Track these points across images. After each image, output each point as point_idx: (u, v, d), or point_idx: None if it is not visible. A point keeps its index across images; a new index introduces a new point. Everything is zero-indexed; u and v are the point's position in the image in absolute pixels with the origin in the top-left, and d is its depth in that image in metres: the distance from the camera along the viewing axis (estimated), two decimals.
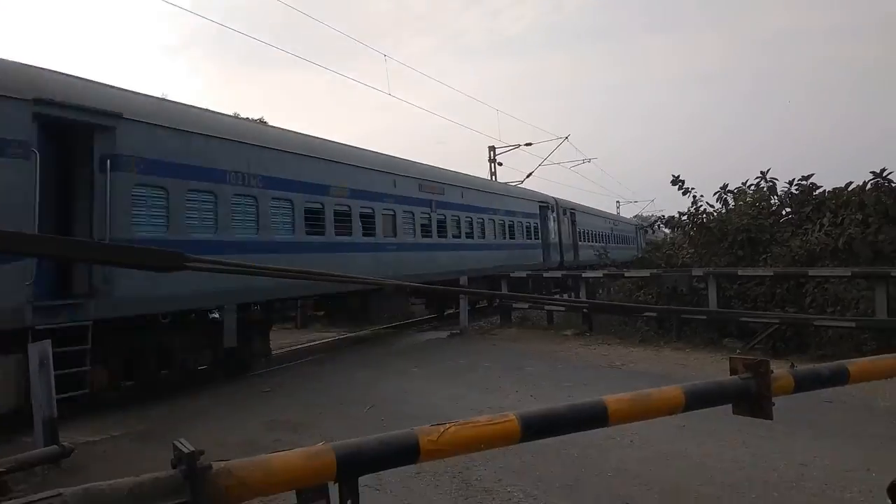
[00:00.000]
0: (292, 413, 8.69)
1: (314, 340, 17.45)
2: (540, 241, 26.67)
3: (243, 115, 36.60)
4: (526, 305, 17.51)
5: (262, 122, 33.94)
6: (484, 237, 21.33)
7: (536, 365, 11.65)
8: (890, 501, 1.81)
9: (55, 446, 4.87)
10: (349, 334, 18.35)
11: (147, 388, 10.47)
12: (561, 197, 31.50)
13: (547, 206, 28.04)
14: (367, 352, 14.54)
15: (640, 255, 35.96)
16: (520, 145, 36.71)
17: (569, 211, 31.34)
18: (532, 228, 25.93)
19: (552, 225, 28.26)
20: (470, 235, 20.42)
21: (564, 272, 20.67)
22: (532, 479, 5.67)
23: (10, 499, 1.73)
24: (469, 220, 20.42)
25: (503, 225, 23.00)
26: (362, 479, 5.78)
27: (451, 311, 20.52)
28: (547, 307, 17.08)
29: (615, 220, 46.10)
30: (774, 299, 13.25)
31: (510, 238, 23.55)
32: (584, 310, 15.39)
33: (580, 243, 32.39)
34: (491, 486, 5.52)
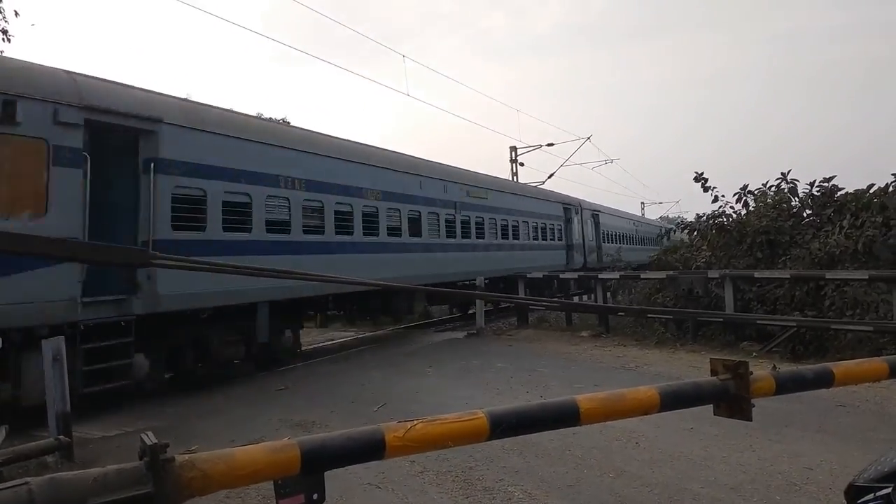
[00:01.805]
0: (304, 411, 8.78)
1: (332, 340, 17.60)
2: (564, 242, 27.64)
3: (266, 114, 36.95)
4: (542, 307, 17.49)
5: (285, 122, 34.23)
6: (509, 239, 22.32)
7: (550, 366, 11.64)
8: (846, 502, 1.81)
9: (51, 439, 5.00)
10: (367, 334, 18.48)
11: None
12: (584, 198, 33.09)
13: (570, 208, 28.96)
14: (383, 351, 14.62)
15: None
16: (541, 146, 36.63)
17: (592, 213, 32.38)
18: (556, 230, 26.97)
19: (576, 227, 29.25)
20: (497, 236, 21.56)
21: (582, 273, 20.56)
22: (534, 479, 5.69)
23: None
24: (494, 221, 21.43)
25: (527, 226, 23.97)
26: (364, 477, 5.83)
27: (472, 311, 20.59)
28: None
29: (640, 221, 46.91)
30: (794, 302, 13.09)
31: (534, 239, 24.53)
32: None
33: (604, 245, 33.49)
34: (492, 486, 5.54)
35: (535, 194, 26.46)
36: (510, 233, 22.32)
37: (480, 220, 20.21)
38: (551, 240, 26.24)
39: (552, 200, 27.49)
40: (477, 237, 19.86)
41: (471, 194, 19.54)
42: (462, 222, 18.94)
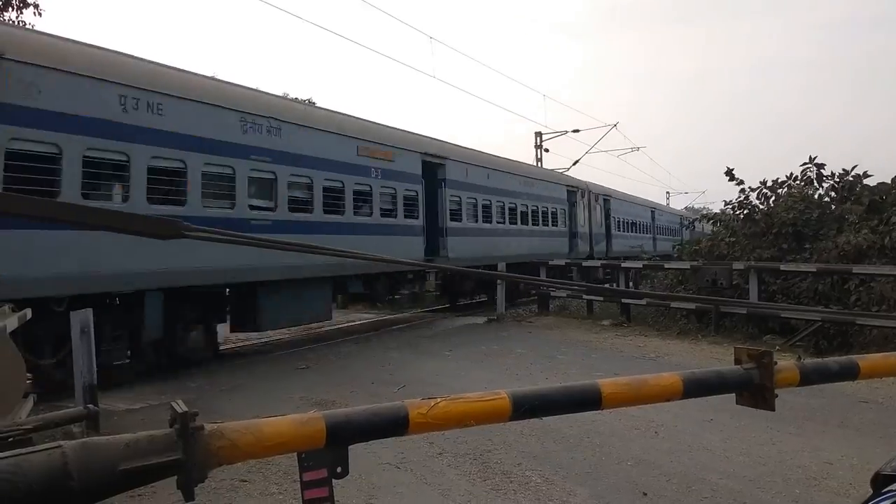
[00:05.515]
0: (324, 391, 8.86)
1: (353, 321, 17.71)
2: (567, 229, 25.29)
3: (292, 94, 36.98)
4: (565, 294, 17.48)
5: (310, 102, 34.23)
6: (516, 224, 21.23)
7: (570, 353, 11.64)
8: (871, 491, 1.80)
9: (80, 408, 5.09)
10: (388, 316, 18.57)
11: None
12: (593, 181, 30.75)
13: (576, 192, 26.40)
14: (404, 334, 14.71)
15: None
16: (567, 132, 36.37)
17: (601, 197, 29.64)
18: (558, 215, 24.52)
19: (581, 212, 26.66)
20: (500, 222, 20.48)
21: (604, 261, 20.45)
22: (552, 465, 5.71)
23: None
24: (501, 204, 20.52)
25: (527, 212, 21.97)
26: (384, 457, 5.88)
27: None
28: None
29: (660, 209, 44.39)
30: (818, 296, 12.92)
31: (533, 225, 22.44)
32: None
33: (615, 233, 31.24)
34: (510, 470, 5.57)
35: (536, 175, 24.05)
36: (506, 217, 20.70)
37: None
38: (553, 226, 24.03)
39: (555, 182, 25.30)
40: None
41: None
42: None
